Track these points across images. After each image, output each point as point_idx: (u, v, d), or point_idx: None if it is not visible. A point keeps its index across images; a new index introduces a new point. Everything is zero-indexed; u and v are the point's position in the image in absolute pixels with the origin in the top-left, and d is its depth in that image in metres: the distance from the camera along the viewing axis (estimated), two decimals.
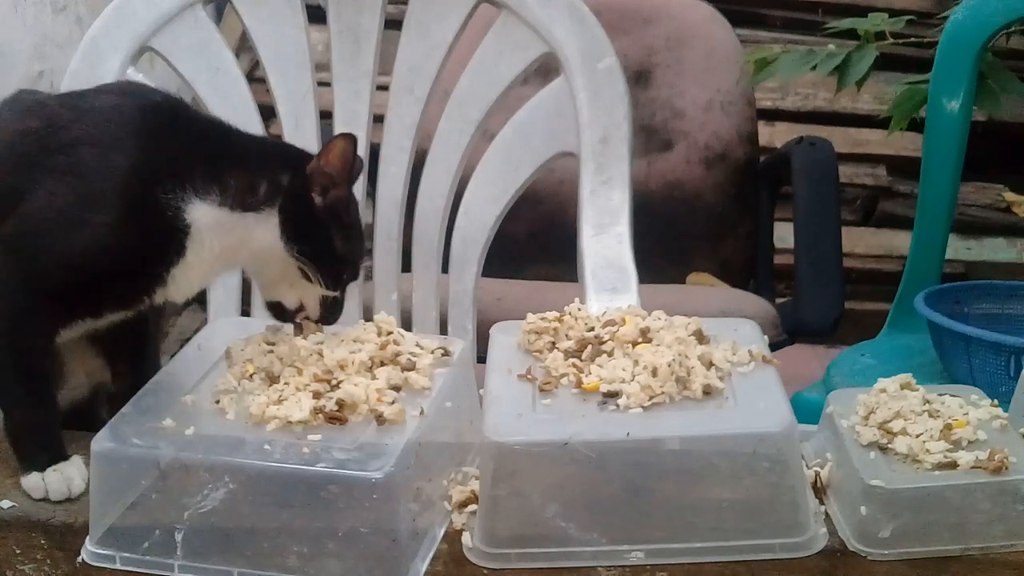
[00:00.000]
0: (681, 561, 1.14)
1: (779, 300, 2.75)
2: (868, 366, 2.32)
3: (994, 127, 3.52)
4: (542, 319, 1.35)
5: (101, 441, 1.17)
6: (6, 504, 1.23)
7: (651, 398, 1.19)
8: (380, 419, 1.19)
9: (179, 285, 1.30)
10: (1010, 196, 3.78)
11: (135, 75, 1.84)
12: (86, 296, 1.28)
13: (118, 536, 1.16)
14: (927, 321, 2.19)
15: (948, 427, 1.21)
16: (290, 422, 1.17)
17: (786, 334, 2.51)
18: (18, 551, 1.17)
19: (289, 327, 1.34)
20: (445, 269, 1.90)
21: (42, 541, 1.19)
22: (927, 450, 1.18)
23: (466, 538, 1.18)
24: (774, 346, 1.42)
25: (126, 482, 1.16)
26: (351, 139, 1.29)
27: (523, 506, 1.15)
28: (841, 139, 3.60)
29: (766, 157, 2.97)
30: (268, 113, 1.89)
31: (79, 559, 1.16)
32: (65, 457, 1.26)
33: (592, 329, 1.32)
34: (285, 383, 1.23)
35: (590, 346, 1.29)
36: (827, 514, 1.21)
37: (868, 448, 1.20)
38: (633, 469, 1.15)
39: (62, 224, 1.25)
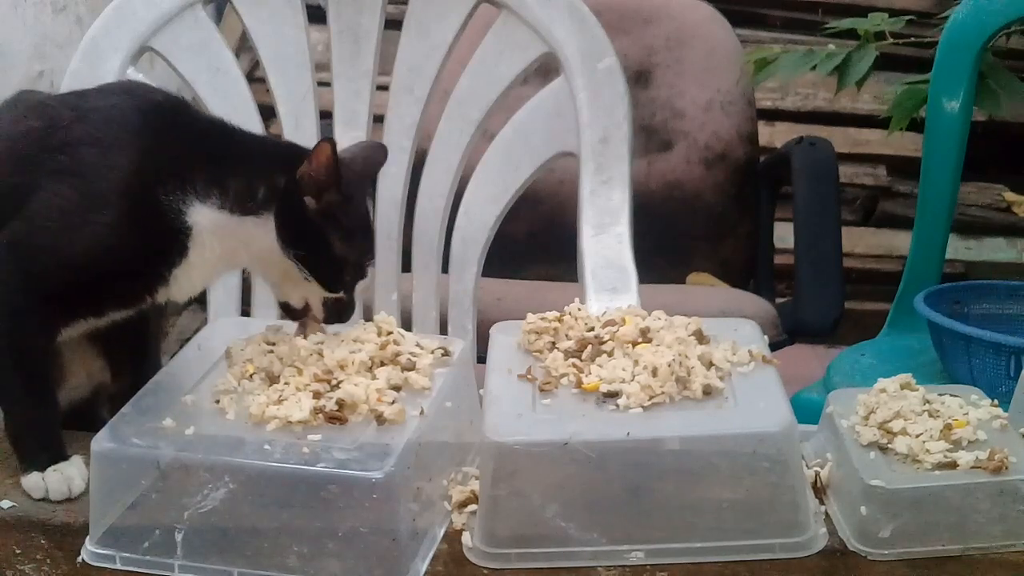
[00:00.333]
0: (681, 561, 1.15)
1: (779, 300, 2.75)
2: (868, 366, 2.32)
3: (994, 127, 3.52)
4: (542, 319, 1.35)
5: (101, 441, 1.17)
6: (6, 504, 1.24)
7: (651, 398, 1.19)
8: (380, 419, 1.19)
9: (181, 285, 1.31)
10: (1010, 196, 3.78)
11: (135, 75, 1.84)
12: (88, 295, 1.29)
13: (118, 536, 1.16)
14: (927, 321, 2.19)
15: (948, 427, 1.21)
16: (290, 422, 1.17)
17: (786, 334, 2.51)
18: (18, 551, 1.17)
19: (289, 327, 1.34)
20: (445, 269, 1.90)
21: (42, 541, 1.19)
22: (927, 450, 1.18)
23: (466, 538, 1.18)
24: (774, 346, 1.41)
25: (126, 482, 1.16)
26: (332, 143, 1.28)
27: (523, 506, 1.15)
28: (841, 139, 3.60)
29: (766, 157, 2.97)
30: (268, 113, 1.89)
31: (79, 559, 1.16)
32: (65, 457, 1.26)
33: (592, 329, 1.32)
34: (285, 383, 1.23)
35: (590, 346, 1.29)
36: (827, 514, 1.21)
37: (868, 448, 1.20)
38: (633, 469, 1.15)
39: (64, 224, 1.25)
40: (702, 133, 2.88)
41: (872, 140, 3.79)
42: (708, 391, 1.21)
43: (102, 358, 1.39)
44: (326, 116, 1.91)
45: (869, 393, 1.27)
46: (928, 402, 1.26)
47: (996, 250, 3.81)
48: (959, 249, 3.71)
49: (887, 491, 1.15)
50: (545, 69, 1.90)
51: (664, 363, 1.21)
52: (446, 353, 1.32)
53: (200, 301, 1.73)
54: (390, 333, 1.31)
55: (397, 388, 1.24)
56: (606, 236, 1.81)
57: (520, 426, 1.18)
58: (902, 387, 1.28)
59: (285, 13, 1.89)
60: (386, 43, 1.90)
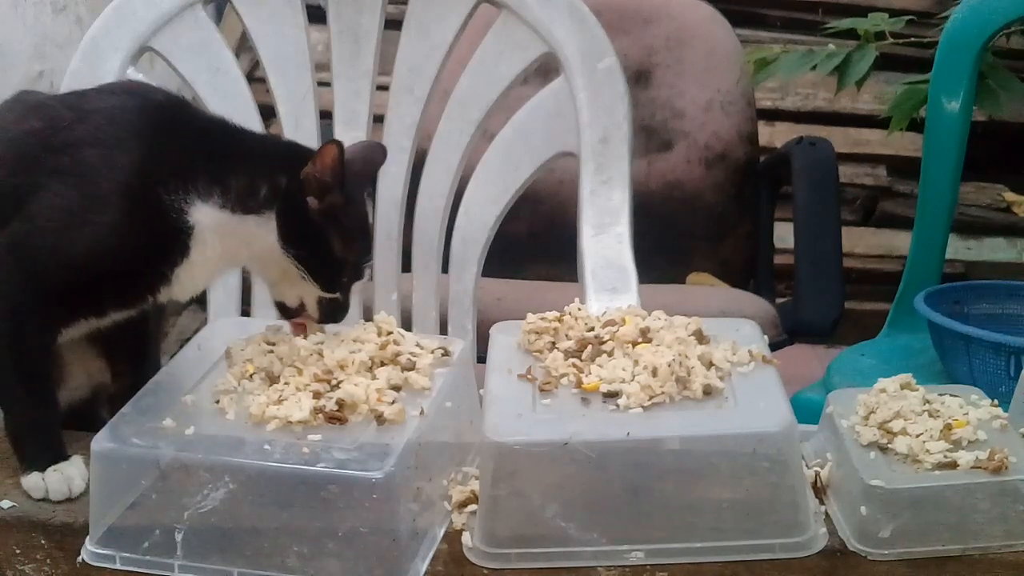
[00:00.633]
0: (681, 561, 1.14)
1: (779, 300, 2.75)
2: (868, 366, 2.32)
3: (994, 127, 3.52)
4: (542, 319, 1.35)
5: (101, 441, 1.17)
6: (6, 504, 1.23)
7: (651, 398, 1.19)
8: (380, 419, 1.19)
9: (183, 284, 1.31)
10: (1010, 196, 3.78)
11: (135, 75, 1.84)
12: (89, 296, 1.29)
13: (118, 536, 1.16)
14: (927, 321, 2.19)
15: (948, 427, 1.21)
16: (290, 422, 1.17)
17: (786, 334, 2.50)
18: (18, 551, 1.17)
19: (289, 327, 1.34)
20: (445, 269, 1.90)
21: (42, 541, 1.19)
22: (927, 450, 1.18)
23: (466, 538, 1.18)
24: (774, 346, 1.41)
25: (126, 482, 1.16)
26: (340, 145, 1.29)
27: (523, 506, 1.15)
28: (841, 139, 3.60)
29: (766, 157, 2.97)
30: (268, 113, 1.89)
31: (79, 559, 1.16)
32: (65, 457, 1.26)
33: (592, 329, 1.32)
34: (285, 383, 1.23)
35: (590, 346, 1.29)
36: (827, 514, 1.21)
37: (868, 448, 1.20)
38: (633, 469, 1.15)
39: (65, 224, 1.25)
40: (702, 133, 2.88)
41: (872, 140, 3.79)
42: (708, 391, 1.21)
43: (102, 358, 1.39)
44: (326, 116, 1.91)
45: (869, 393, 1.27)
46: (928, 402, 1.26)
47: (996, 250, 3.81)
48: (959, 249, 3.71)
49: (887, 491, 1.15)
50: (545, 69, 1.90)
51: (664, 363, 1.21)
52: (446, 353, 1.32)
53: (200, 301, 1.73)
54: (390, 333, 1.31)
55: (397, 388, 1.24)
56: (606, 236, 1.81)
57: (520, 426, 1.18)
58: (902, 387, 1.28)
59: (285, 13, 1.89)
60: (386, 43, 1.90)
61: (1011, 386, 1.31)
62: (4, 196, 1.27)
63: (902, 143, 3.62)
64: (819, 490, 1.23)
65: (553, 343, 1.32)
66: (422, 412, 1.20)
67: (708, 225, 2.90)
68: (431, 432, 1.20)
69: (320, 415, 1.18)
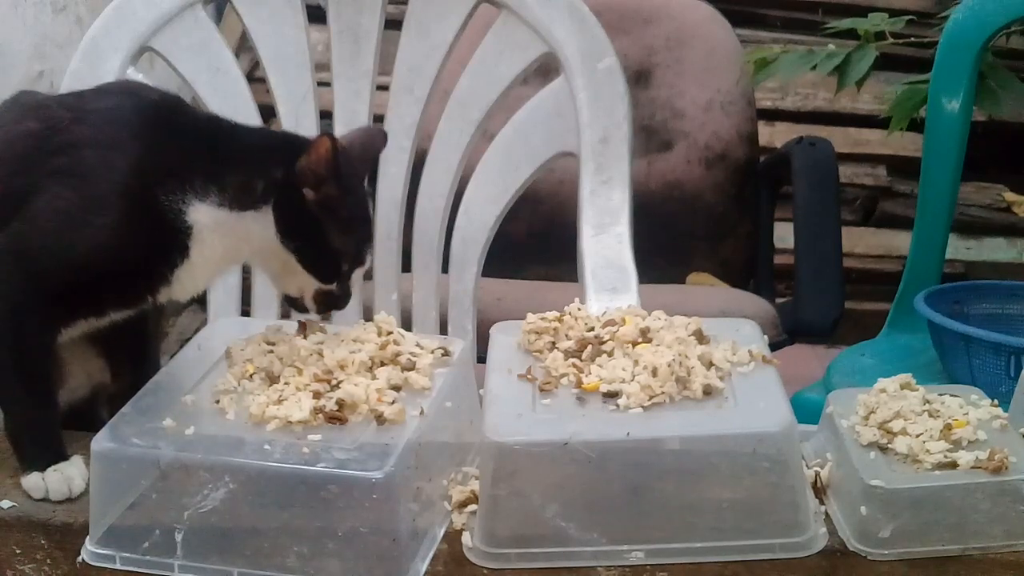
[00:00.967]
0: (681, 561, 1.14)
1: (779, 300, 2.75)
2: (868, 366, 2.32)
3: (994, 127, 3.52)
4: (542, 319, 1.35)
5: (101, 441, 1.17)
6: (6, 504, 1.23)
7: (651, 398, 1.19)
8: (380, 419, 1.19)
9: (184, 284, 1.31)
10: (1010, 196, 3.78)
11: (135, 75, 1.84)
12: (89, 296, 1.29)
13: (118, 536, 1.16)
14: (927, 321, 2.19)
15: (948, 427, 1.21)
16: (290, 422, 1.17)
17: (786, 334, 2.50)
18: (18, 551, 1.17)
19: (289, 327, 1.34)
20: (445, 269, 1.90)
21: (42, 541, 1.18)
22: (927, 450, 1.18)
23: (466, 538, 1.18)
24: (774, 346, 1.41)
25: (126, 482, 1.16)
26: (331, 137, 1.29)
27: (523, 506, 1.15)
28: (841, 139, 3.60)
29: (766, 157, 2.97)
30: (268, 113, 1.89)
31: (79, 559, 1.16)
32: (65, 457, 1.26)
33: (592, 329, 1.32)
34: (285, 383, 1.23)
35: (590, 346, 1.29)
36: (827, 514, 1.21)
37: (868, 448, 1.20)
38: (633, 469, 1.15)
39: (64, 225, 1.25)
40: (702, 133, 2.88)
41: (872, 140, 3.79)
42: (708, 391, 1.21)
43: (102, 358, 1.39)
44: (326, 116, 1.91)
45: (869, 393, 1.27)
46: (928, 402, 1.26)
47: (996, 250, 3.81)
48: (959, 249, 3.71)
49: (887, 491, 1.15)
50: (545, 69, 1.90)
51: (664, 363, 1.21)
52: (446, 353, 1.32)
53: (200, 301, 1.74)
54: (390, 333, 1.32)
55: (397, 388, 1.24)
56: (606, 236, 1.81)
57: (520, 426, 1.18)
58: (902, 387, 1.28)
59: (285, 13, 1.89)
60: (386, 43, 1.90)
61: (1011, 386, 1.31)
62: (4, 197, 1.27)
63: (902, 143, 3.62)
64: (819, 490, 1.23)
65: (553, 343, 1.32)
66: (422, 412, 1.20)
67: (708, 225, 2.90)
68: (431, 432, 1.20)
69: (320, 415, 1.18)
